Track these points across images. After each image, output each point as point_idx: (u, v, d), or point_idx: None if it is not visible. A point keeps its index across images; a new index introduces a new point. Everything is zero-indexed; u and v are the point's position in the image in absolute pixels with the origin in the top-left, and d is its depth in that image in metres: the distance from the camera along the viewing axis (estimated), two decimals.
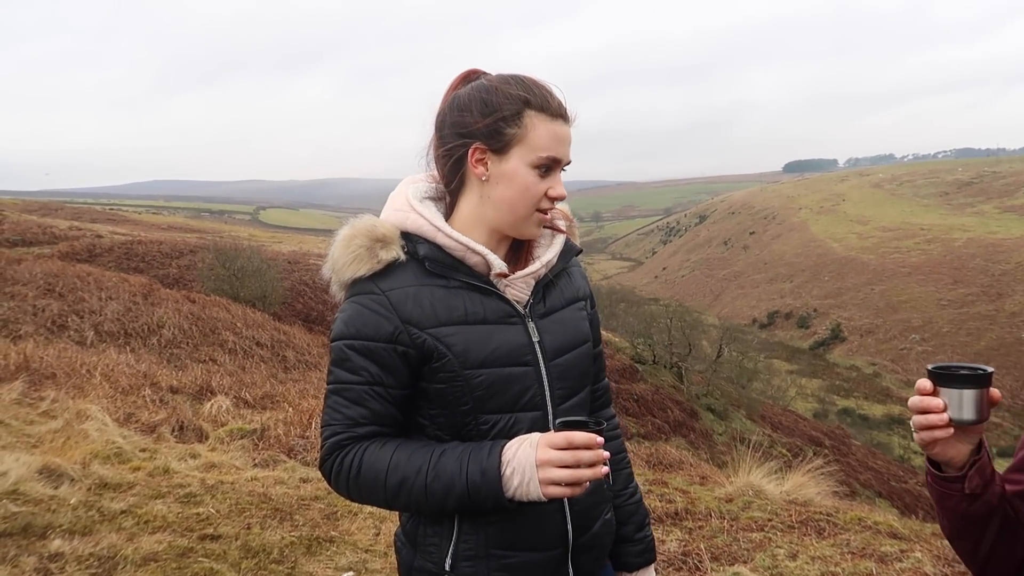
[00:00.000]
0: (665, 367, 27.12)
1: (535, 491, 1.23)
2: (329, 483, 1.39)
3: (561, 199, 1.39)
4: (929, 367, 1.17)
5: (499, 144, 1.34)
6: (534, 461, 1.23)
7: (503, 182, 1.36)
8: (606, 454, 1.23)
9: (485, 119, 1.34)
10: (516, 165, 1.34)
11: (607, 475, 1.25)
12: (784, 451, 18.13)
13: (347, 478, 1.33)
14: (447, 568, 1.37)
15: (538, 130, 1.33)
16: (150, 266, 21.73)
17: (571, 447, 1.21)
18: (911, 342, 60.52)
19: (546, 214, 1.39)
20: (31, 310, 13.12)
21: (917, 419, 1.15)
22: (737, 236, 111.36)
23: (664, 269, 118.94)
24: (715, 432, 21.75)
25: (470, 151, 1.36)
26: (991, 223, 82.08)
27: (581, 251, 1.58)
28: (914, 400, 1.15)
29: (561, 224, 1.52)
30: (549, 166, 1.35)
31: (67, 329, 12.72)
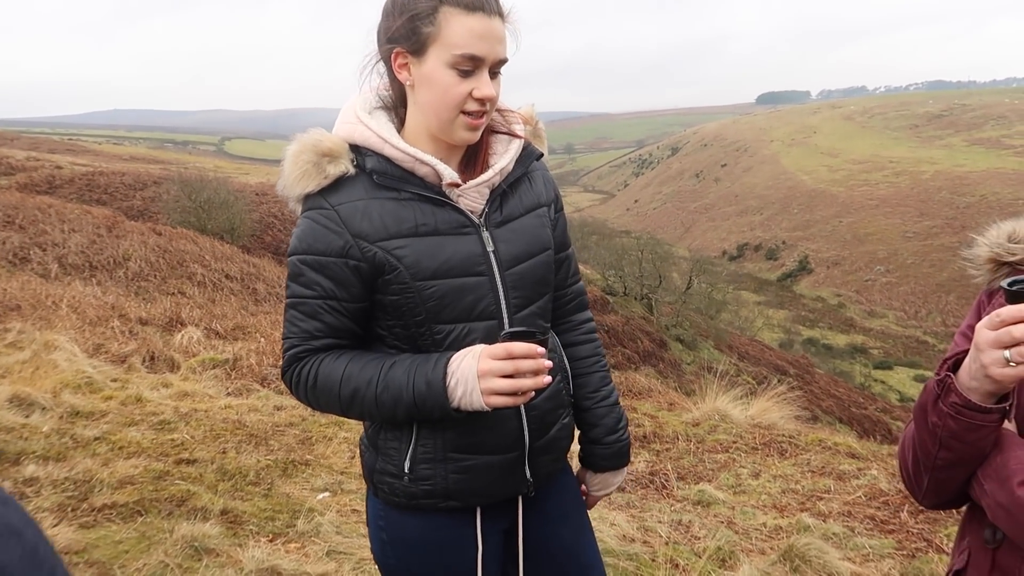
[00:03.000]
0: (635, 299, 27.45)
1: (477, 401, 1.25)
2: (292, 393, 1.43)
3: (489, 100, 1.31)
4: (1006, 284, 1.04)
5: (416, 45, 1.28)
6: (476, 372, 1.25)
7: (424, 85, 1.31)
8: (548, 363, 1.25)
9: (400, 19, 1.28)
10: (434, 66, 1.28)
11: (549, 384, 1.27)
12: (750, 379, 18.58)
13: (305, 388, 1.37)
14: (406, 470, 1.41)
15: (452, 26, 1.25)
16: (113, 198, 21.26)
17: (511, 357, 1.23)
18: (875, 273, 61.69)
19: (478, 118, 1.32)
20: None
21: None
22: (709, 169, 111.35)
23: (636, 202, 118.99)
24: (683, 361, 22.20)
25: (392, 55, 1.32)
26: (958, 156, 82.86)
27: (542, 155, 1.51)
28: (1017, 331, 1.01)
29: (519, 129, 1.47)
30: (470, 66, 1.28)
31: (29, 262, 12.47)
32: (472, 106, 1.31)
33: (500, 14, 1.30)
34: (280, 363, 6.41)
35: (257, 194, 23.85)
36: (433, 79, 1.29)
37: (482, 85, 1.29)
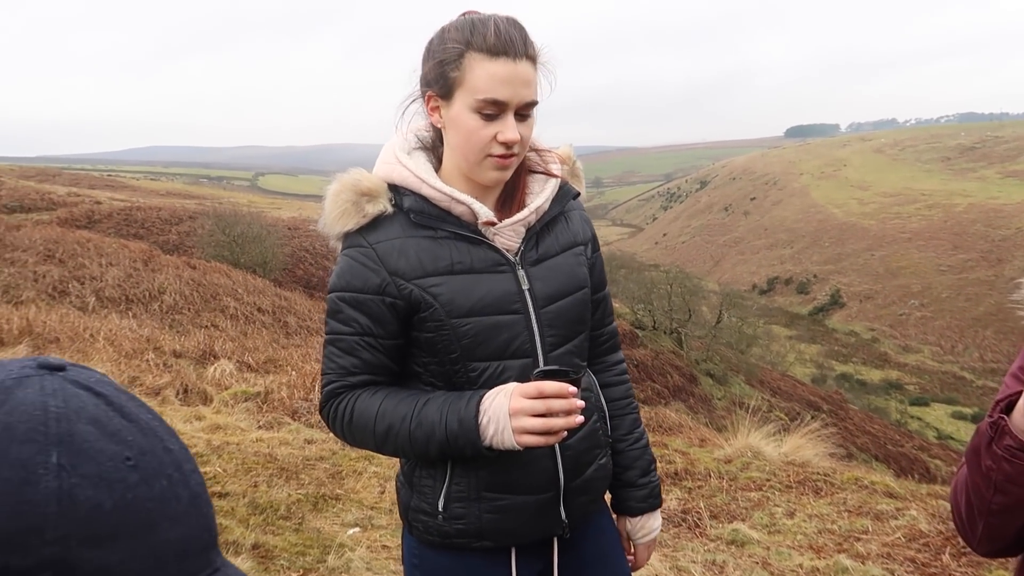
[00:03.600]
0: (665, 333, 27.24)
1: (509, 440, 1.25)
2: (329, 428, 1.45)
3: (513, 144, 1.31)
4: None
5: (444, 89, 1.31)
6: (507, 411, 1.25)
7: (452, 128, 1.34)
8: (581, 403, 1.24)
9: (431, 64, 1.32)
10: (459, 110, 1.30)
11: (581, 424, 1.27)
12: (782, 415, 18.28)
13: (342, 424, 1.39)
14: (440, 509, 1.41)
15: (475, 72, 1.27)
16: (149, 232, 21.72)
17: (542, 396, 1.23)
18: (910, 307, 60.65)
19: (506, 159, 1.33)
20: (32, 276, 13.14)
21: None
22: (738, 202, 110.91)
23: (664, 235, 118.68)
24: (714, 397, 21.93)
25: (425, 98, 1.36)
26: (992, 188, 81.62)
27: (579, 194, 1.53)
28: None
29: (555, 168, 1.48)
30: (494, 110, 1.29)
31: (68, 295, 12.75)
32: (497, 149, 1.32)
33: (528, 56, 1.30)
34: (309, 395, 6.43)
35: (289, 228, 24.23)
36: (459, 123, 1.32)
37: (506, 129, 1.30)
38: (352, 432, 1.39)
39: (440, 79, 1.31)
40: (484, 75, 1.27)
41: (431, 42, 1.34)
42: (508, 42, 1.27)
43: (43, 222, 19.73)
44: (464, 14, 1.34)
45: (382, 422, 1.34)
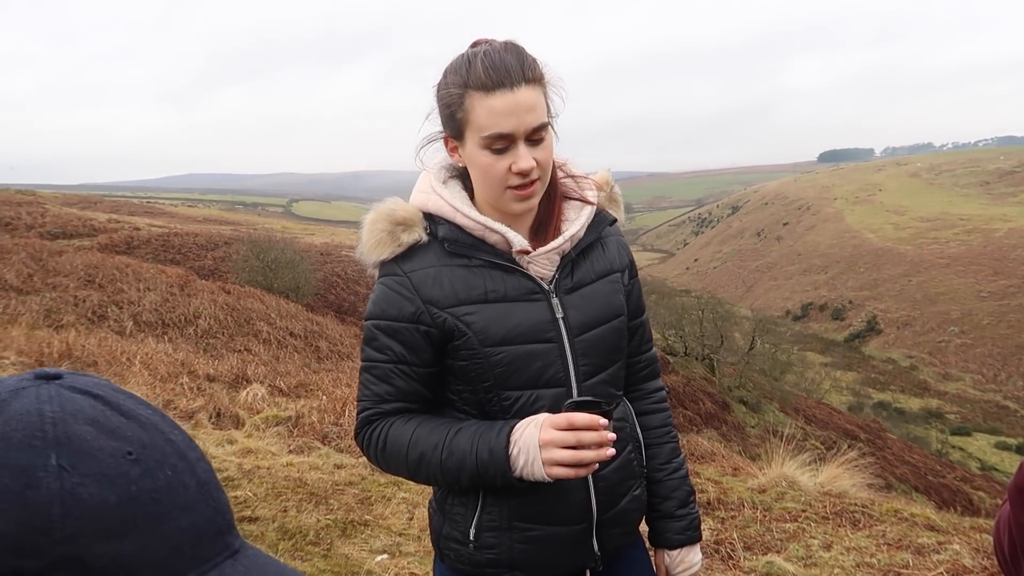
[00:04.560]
0: (697, 359, 26.94)
1: (539, 471, 1.24)
2: (364, 455, 1.45)
3: (528, 171, 1.30)
4: None
5: (455, 131, 1.34)
6: (537, 442, 1.24)
7: (470, 166, 1.36)
8: (612, 436, 1.23)
9: (439, 107, 1.35)
10: (472, 149, 1.32)
11: (612, 456, 1.25)
12: (818, 444, 17.91)
13: (375, 451, 1.40)
14: (472, 538, 1.40)
15: (476, 110, 1.28)
16: (186, 258, 22.10)
17: (572, 428, 1.22)
18: (949, 335, 59.34)
19: (526, 188, 1.32)
20: (72, 300, 13.42)
21: None
22: (770, 227, 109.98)
23: (696, 260, 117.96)
24: (747, 424, 21.57)
25: (444, 140, 1.39)
26: None
27: (615, 220, 1.52)
28: None
29: (591, 195, 1.48)
30: (503, 144, 1.29)
31: (107, 319, 12.99)
32: (515, 180, 1.32)
33: (528, 80, 1.28)
34: (340, 420, 6.44)
35: (322, 254, 24.50)
36: (474, 161, 1.33)
37: (519, 159, 1.30)
38: (386, 459, 1.39)
39: (450, 122, 1.33)
40: (485, 112, 1.27)
41: (438, 85, 1.35)
42: (503, 72, 1.26)
43: (84, 248, 20.20)
44: (472, 46, 1.34)
45: (414, 450, 1.34)
